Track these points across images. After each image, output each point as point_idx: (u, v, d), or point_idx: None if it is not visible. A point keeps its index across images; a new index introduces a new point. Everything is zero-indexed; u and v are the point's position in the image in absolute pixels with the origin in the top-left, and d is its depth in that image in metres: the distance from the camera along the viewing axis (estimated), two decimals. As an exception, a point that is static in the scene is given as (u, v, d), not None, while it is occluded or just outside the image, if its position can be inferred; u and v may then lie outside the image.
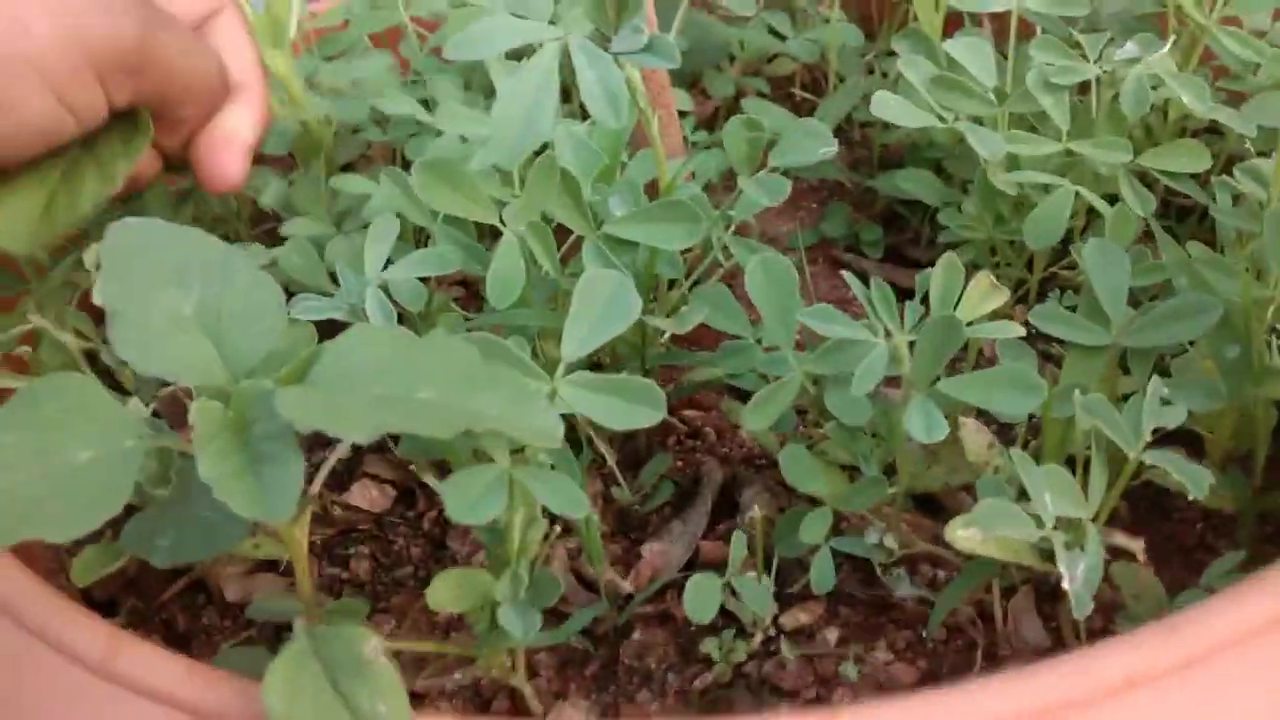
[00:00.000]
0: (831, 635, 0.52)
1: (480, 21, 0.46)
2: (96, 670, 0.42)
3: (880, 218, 0.81)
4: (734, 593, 0.50)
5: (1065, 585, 0.40)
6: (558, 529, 0.54)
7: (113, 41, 0.48)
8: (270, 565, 0.58)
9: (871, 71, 0.88)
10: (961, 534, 0.40)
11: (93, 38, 0.47)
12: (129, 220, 0.42)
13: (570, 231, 0.55)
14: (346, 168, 0.79)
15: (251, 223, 0.74)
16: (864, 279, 0.79)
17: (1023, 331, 0.45)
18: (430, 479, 0.44)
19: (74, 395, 0.38)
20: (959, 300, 0.46)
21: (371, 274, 0.54)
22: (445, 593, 0.43)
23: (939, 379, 0.45)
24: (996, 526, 0.39)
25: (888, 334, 0.45)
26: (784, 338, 0.49)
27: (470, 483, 0.38)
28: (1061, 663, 0.37)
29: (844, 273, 0.47)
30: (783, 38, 0.87)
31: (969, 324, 0.45)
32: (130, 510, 0.51)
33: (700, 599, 0.46)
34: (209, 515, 0.46)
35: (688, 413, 0.69)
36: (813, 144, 0.55)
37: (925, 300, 0.47)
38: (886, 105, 0.60)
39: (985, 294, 0.46)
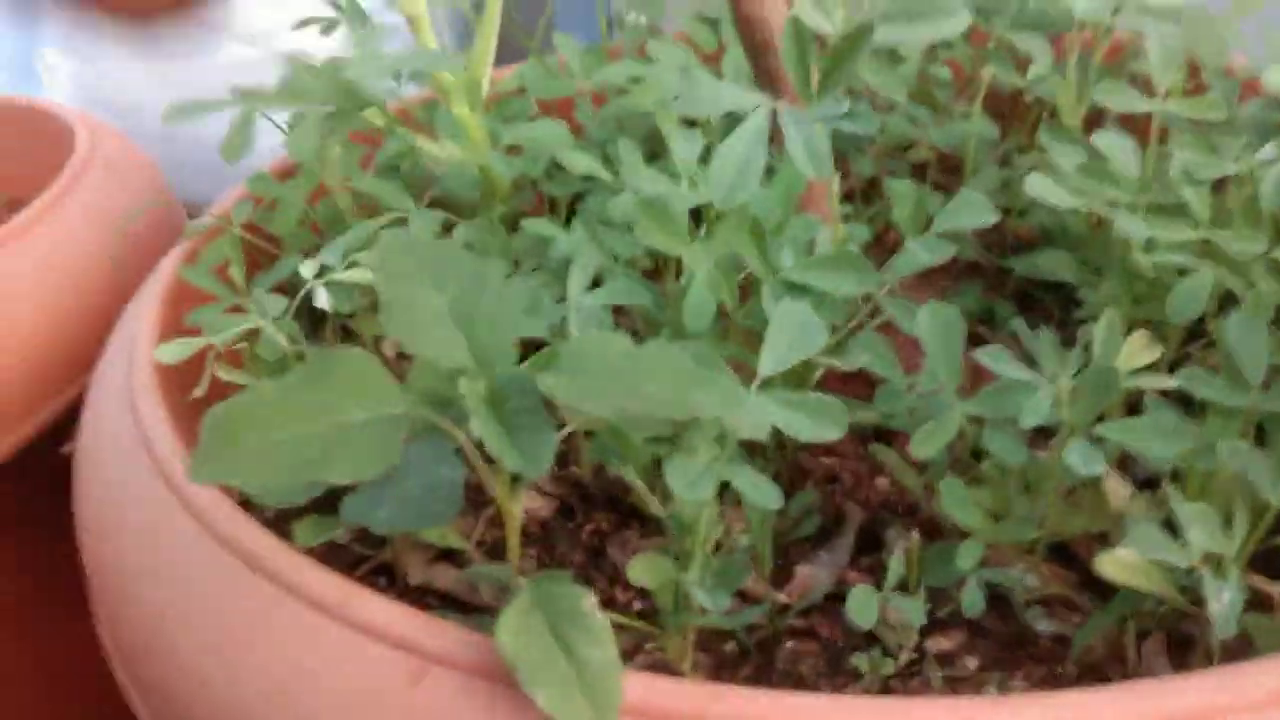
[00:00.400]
0: (972, 663, 0.56)
1: (703, 85, 0.53)
2: (336, 615, 0.48)
3: (1013, 297, 0.86)
4: (885, 614, 0.54)
5: (1210, 610, 0.44)
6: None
7: None
8: (449, 556, 0.64)
9: (1003, 164, 0.94)
10: (1113, 559, 0.44)
11: None
12: (397, 230, 0.49)
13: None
14: (518, 216, 0.87)
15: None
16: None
17: (1174, 383, 0.50)
18: (629, 472, 0.50)
19: (356, 366, 0.45)
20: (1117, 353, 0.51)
21: (575, 296, 0.60)
22: (642, 570, 0.48)
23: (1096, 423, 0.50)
24: (1150, 551, 0.44)
25: (1053, 377, 0.50)
26: (949, 378, 0.54)
27: (686, 468, 0.44)
28: (1212, 673, 0.41)
29: (1014, 320, 0.52)
30: (924, 126, 0.94)
31: (1126, 374, 0.50)
32: (340, 492, 0.58)
33: (863, 605, 0.51)
34: (419, 494, 0.52)
35: (824, 459, 0.74)
36: (973, 214, 0.61)
37: (1084, 352, 0.51)
38: (1038, 185, 0.66)
39: (1141, 349, 0.51)
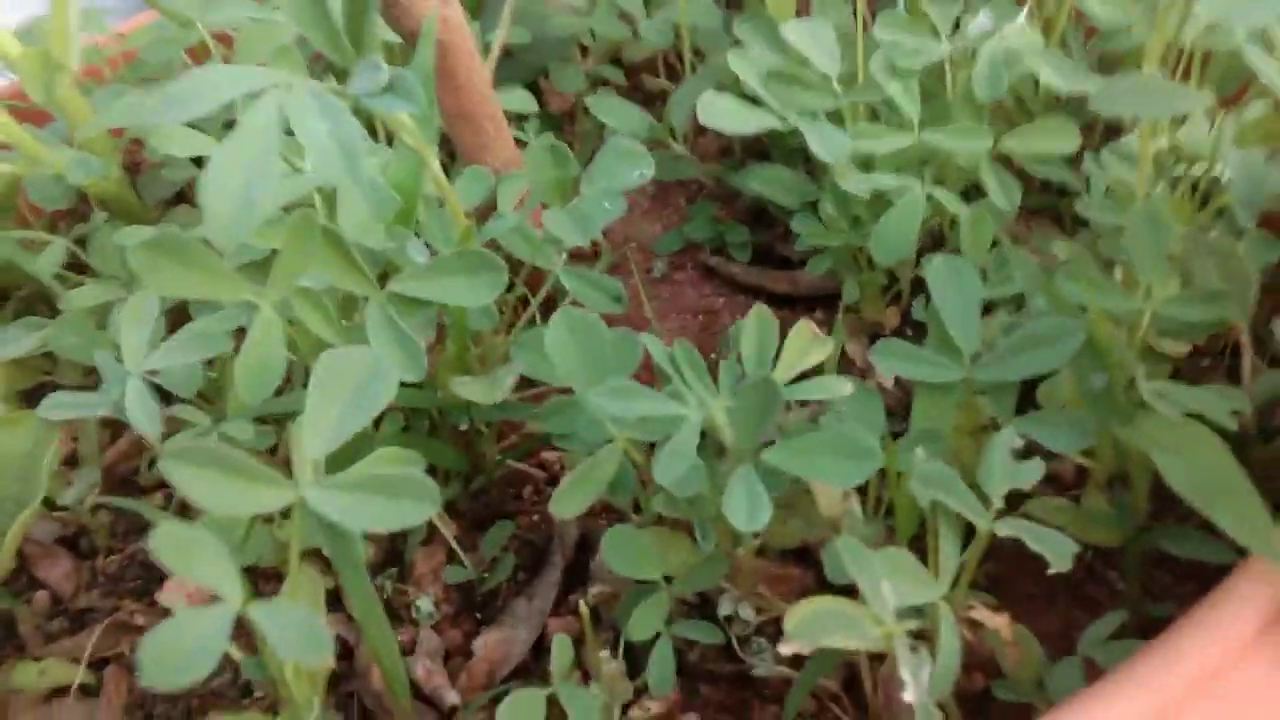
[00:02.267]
0: (689, 722, 0.47)
1: (191, 76, 0.38)
2: None
3: (748, 214, 0.74)
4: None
5: (906, 698, 0.34)
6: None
7: None
8: (65, 691, 0.52)
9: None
10: (784, 646, 0.34)
11: None
12: None
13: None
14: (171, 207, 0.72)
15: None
16: (734, 285, 0.74)
17: (850, 390, 0.39)
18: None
19: None
20: (773, 356, 0.40)
21: (133, 364, 0.47)
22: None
23: (770, 443, 0.39)
24: (822, 637, 0.34)
25: (700, 404, 0.38)
26: (599, 405, 0.43)
27: (184, 631, 0.32)
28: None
29: (645, 336, 0.40)
30: (634, 21, 0.80)
31: (791, 382, 0.39)
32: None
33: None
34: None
35: (547, 455, 0.63)
36: (627, 167, 0.48)
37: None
38: (715, 110, 0.53)
39: (805, 347, 0.40)
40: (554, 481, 0.61)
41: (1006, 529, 0.37)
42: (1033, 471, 0.37)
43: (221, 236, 0.37)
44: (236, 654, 0.40)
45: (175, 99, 0.38)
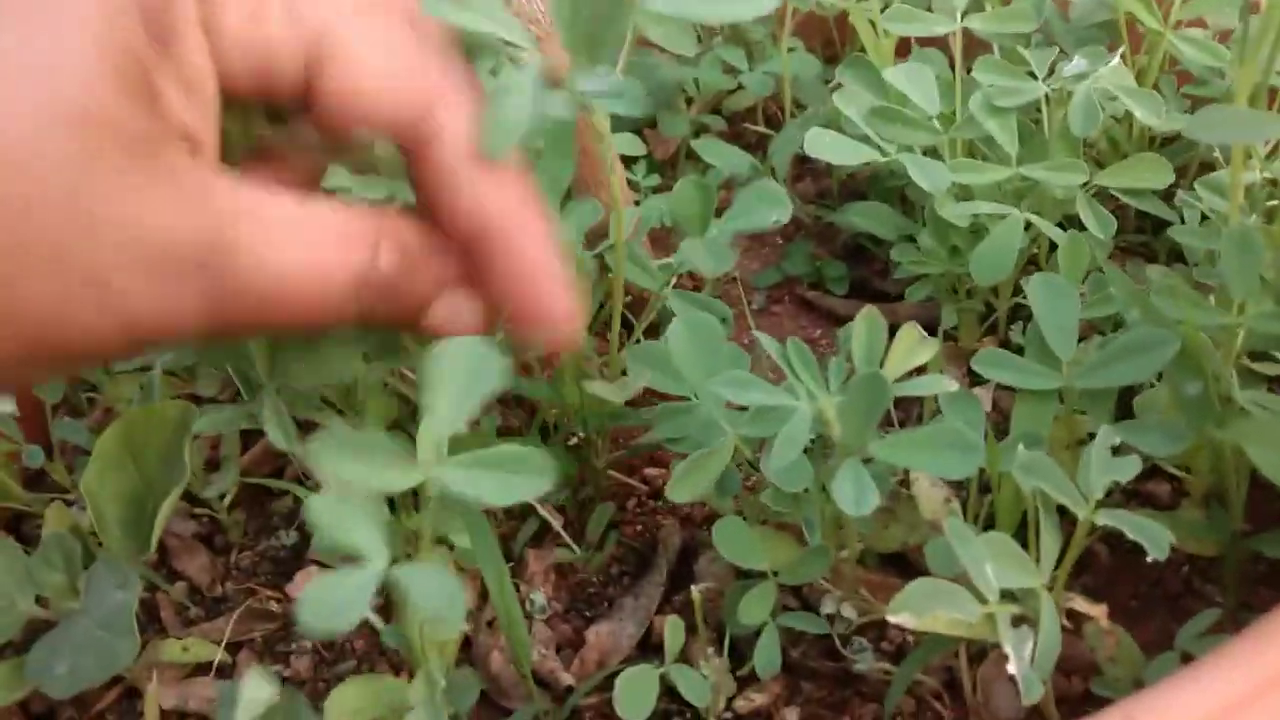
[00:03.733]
0: (790, 715, 0.49)
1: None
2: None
3: (844, 251, 0.77)
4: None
5: (1010, 669, 0.36)
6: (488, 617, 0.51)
7: (169, 324, 0.34)
8: (205, 669, 0.56)
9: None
10: (893, 617, 0.36)
11: (142, 324, 0.33)
12: None
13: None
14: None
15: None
16: (832, 317, 0.77)
17: (955, 386, 0.42)
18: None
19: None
20: (885, 355, 0.43)
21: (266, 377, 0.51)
22: (347, 702, 0.40)
23: (879, 437, 0.42)
24: (929, 608, 0.36)
25: (810, 397, 0.41)
26: (713, 401, 0.46)
27: (335, 586, 0.35)
28: None
29: (757, 334, 0.43)
30: (737, 72, 0.85)
31: (898, 380, 0.42)
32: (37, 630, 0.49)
33: (634, 696, 0.43)
34: (103, 634, 0.44)
35: (649, 471, 0.66)
36: (765, 209, 0.52)
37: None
38: (822, 143, 0.57)
39: (912, 347, 0.43)
40: (656, 495, 0.63)
41: (1105, 518, 0.39)
42: (1131, 465, 0.39)
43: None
44: (379, 623, 0.44)
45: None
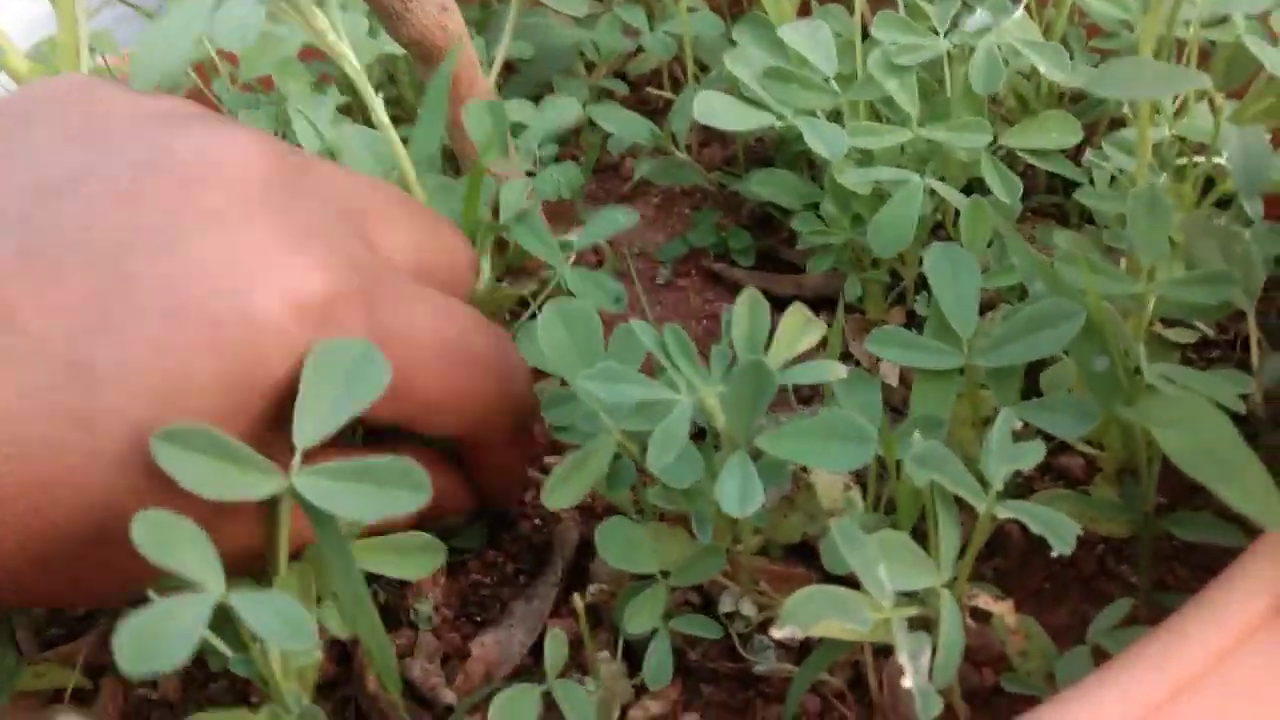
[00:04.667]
0: (690, 722, 0.46)
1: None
2: None
3: (751, 220, 0.74)
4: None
5: (905, 684, 0.33)
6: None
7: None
8: (60, 695, 0.51)
9: (738, 61, 0.81)
10: (778, 635, 0.33)
11: (260, 386, 0.36)
12: None
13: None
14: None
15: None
16: (736, 288, 0.74)
17: (844, 373, 0.39)
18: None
19: None
20: (765, 340, 0.39)
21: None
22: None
23: (762, 428, 0.39)
24: (815, 618, 0.33)
25: (691, 389, 0.38)
26: (591, 396, 0.42)
27: (163, 617, 0.31)
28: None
29: (634, 323, 0.40)
30: (637, 33, 0.80)
31: (784, 366, 0.39)
32: None
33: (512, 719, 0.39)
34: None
35: (551, 459, 0.62)
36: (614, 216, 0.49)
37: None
38: (713, 108, 0.53)
39: (800, 329, 0.39)
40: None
41: (1006, 511, 0.36)
42: (1034, 453, 0.37)
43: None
44: (228, 652, 0.40)
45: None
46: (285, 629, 0.33)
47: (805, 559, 0.51)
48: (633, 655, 0.47)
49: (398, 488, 0.36)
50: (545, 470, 0.61)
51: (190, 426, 0.34)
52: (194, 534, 0.34)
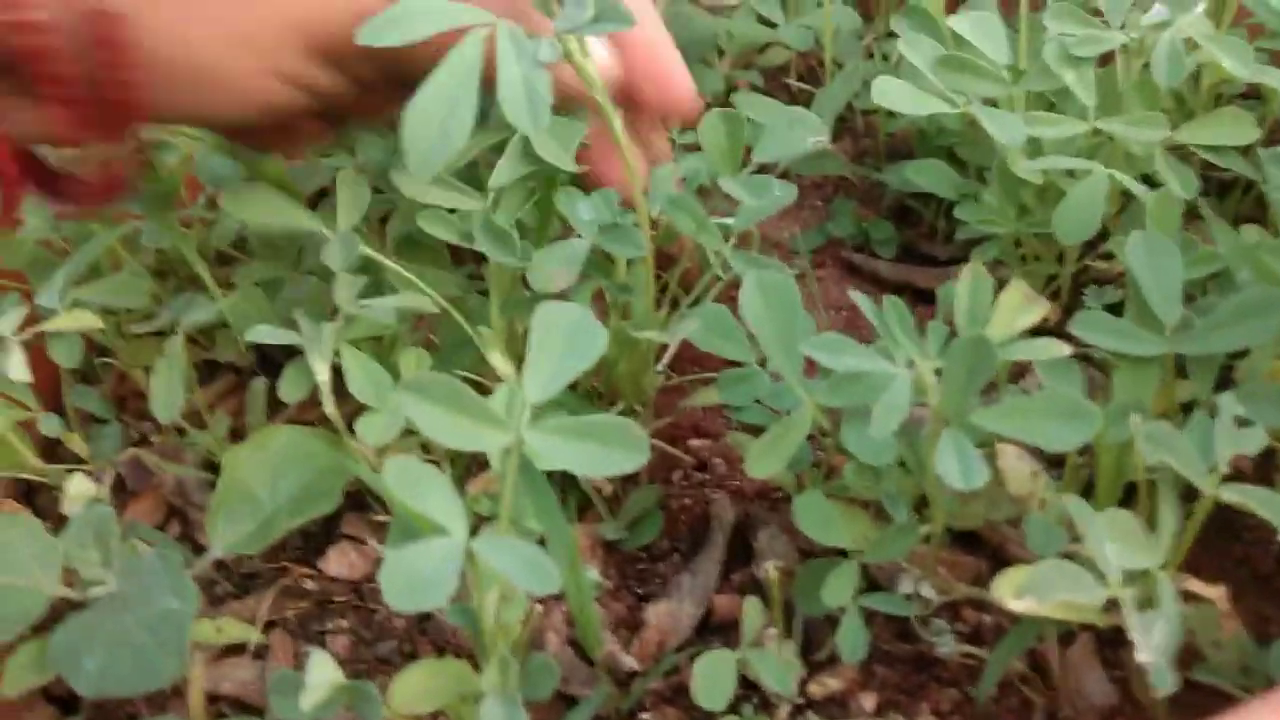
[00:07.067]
0: (868, 701, 0.46)
1: (403, 4, 0.39)
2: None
3: (890, 213, 0.74)
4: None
5: (1140, 658, 0.33)
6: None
7: (329, 31, 0.44)
8: (238, 649, 0.53)
9: (871, 55, 0.82)
10: (1015, 603, 0.33)
11: (310, 25, 0.44)
12: None
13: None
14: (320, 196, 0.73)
15: (219, 261, 0.68)
16: (877, 282, 0.74)
17: (1069, 351, 0.39)
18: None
19: None
20: (989, 316, 0.40)
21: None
22: (414, 688, 0.36)
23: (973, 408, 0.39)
24: (1055, 592, 0.33)
25: (910, 362, 0.38)
26: (789, 367, 0.43)
27: (418, 558, 0.32)
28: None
29: (853, 293, 0.40)
30: (773, 25, 0.81)
31: (1003, 344, 0.39)
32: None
33: (712, 683, 0.40)
34: (144, 641, 0.41)
35: (694, 442, 0.62)
36: (799, 134, 0.49)
37: (951, 316, 0.40)
38: (888, 92, 0.54)
39: (1020, 307, 0.40)
40: (702, 467, 0.60)
41: (1231, 494, 0.36)
42: (1256, 437, 0.37)
43: (418, 168, 0.39)
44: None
45: (384, 25, 0.39)
46: (529, 572, 0.34)
47: (970, 548, 0.51)
48: (804, 633, 0.48)
49: (619, 446, 0.37)
50: (691, 452, 0.62)
51: (438, 379, 0.35)
52: (441, 482, 0.35)
